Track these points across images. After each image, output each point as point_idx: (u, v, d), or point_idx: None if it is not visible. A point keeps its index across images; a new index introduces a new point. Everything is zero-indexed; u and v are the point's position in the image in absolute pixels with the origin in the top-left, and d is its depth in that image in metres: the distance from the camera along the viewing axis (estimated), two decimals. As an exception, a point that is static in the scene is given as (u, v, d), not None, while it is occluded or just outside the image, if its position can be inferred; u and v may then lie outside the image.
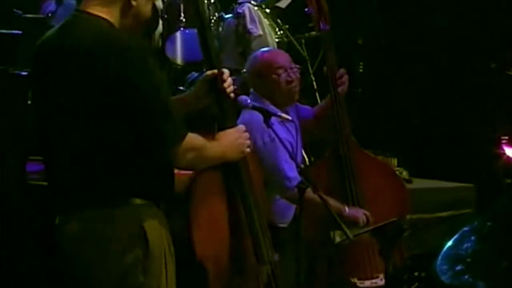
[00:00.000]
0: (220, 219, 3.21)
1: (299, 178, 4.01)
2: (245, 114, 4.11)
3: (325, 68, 4.38)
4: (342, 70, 4.34)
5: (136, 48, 2.79)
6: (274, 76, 4.24)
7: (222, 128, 3.17)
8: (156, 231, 2.84)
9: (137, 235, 2.80)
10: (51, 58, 2.86)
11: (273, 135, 3.83)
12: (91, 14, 2.85)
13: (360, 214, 4.09)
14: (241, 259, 3.24)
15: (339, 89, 4.28)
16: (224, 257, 3.20)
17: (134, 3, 2.88)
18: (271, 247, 3.29)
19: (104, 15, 2.85)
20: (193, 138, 2.89)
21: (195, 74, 5.74)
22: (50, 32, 2.94)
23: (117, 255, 2.79)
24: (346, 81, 4.34)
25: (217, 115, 3.22)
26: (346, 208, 4.06)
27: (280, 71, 4.25)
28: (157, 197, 2.89)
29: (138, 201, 2.82)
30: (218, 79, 3.19)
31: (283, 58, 4.35)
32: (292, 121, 4.01)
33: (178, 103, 3.07)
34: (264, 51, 4.46)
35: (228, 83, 3.21)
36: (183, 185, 3.11)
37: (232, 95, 3.23)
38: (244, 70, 5.65)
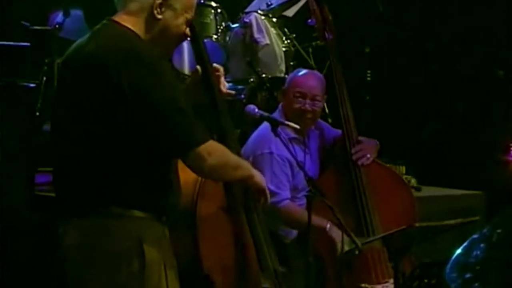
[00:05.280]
0: (225, 232, 3.24)
1: (285, 196, 4.11)
2: (262, 124, 4.23)
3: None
4: (358, 147, 4.30)
5: (151, 60, 2.78)
6: (292, 97, 4.32)
7: (222, 140, 3.15)
8: (155, 245, 2.83)
9: (134, 248, 2.79)
10: (72, 66, 2.88)
11: (272, 149, 3.90)
12: (119, 24, 2.86)
13: (338, 238, 4.01)
14: (245, 269, 3.26)
15: (359, 162, 4.28)
16: (230, 268, 3.23)
17: (159, 16, 2.88)
18: (275, 257, 3.30)
19: (130, 26, 2.86)
20: (215, 143, 2.90)
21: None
22: (82, 39, 2.94)
23: (113, 267, 2.79)
24: (361, 152, 4.31)
25: (216, 127, 3.22)
26: (328, 225, 4.07)
27: (298, 95, 4.30)
28: (160, 211, 2.88)
29: (137, 213, 2.81)
30: (210, 74, 3.18)
31: (311, 85, 4.36)
32: (299, 130, 4.02)
33: None
34: (303, 72, 4.47)
35: (223, 82, 3.21)
36: (188, 199, 3.11)
37: (224, 89, 3.23)
38: (252, 79, 5.68)
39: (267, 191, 3.14)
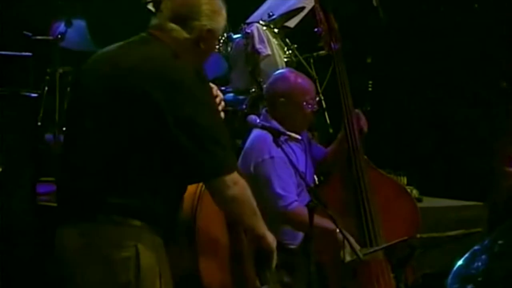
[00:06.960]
0: (223, 247, 3.23)
1: (293, 199, 4.09)
2: (255, 132, 4.16)
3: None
4: (357, 111, 4.36)
5: (192, 86, 2.83)
6: (304, 103, 4.30)
7: None
8: (151, 255, 2.85)
9: (131, 257, 2.81)
10: (105, 80, 2.89)
11: (272, 153, 3.90)
12: (161, 40, 2.91)
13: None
14: (244, 283, 3.26)
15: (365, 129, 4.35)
16: (229, 282, 3.22)
17: (202, 46, 2.95)
18: (275, 274, 3.29)
19: (172, 44, 2.90)
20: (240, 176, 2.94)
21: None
22: (113, 49, 2.97)
23: (109, 273, 2.81)
24: (363, 121, 4.37)
25: None
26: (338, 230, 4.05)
27: (311, 100, 4.33)
28: (157, 222, 2.89)
29: (136, 222, 2.83)
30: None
31: (312, 87, 4.42)
32: (301, 140, 4.03)
33: None
34: (295, 75, 4.46)
35: (220, 99, 3.22)
36: (187, 214, 3.11)
37: (221, 108, 3.25)
38: (253, 89, 5.68)
39: (275, 255, 3.12)
